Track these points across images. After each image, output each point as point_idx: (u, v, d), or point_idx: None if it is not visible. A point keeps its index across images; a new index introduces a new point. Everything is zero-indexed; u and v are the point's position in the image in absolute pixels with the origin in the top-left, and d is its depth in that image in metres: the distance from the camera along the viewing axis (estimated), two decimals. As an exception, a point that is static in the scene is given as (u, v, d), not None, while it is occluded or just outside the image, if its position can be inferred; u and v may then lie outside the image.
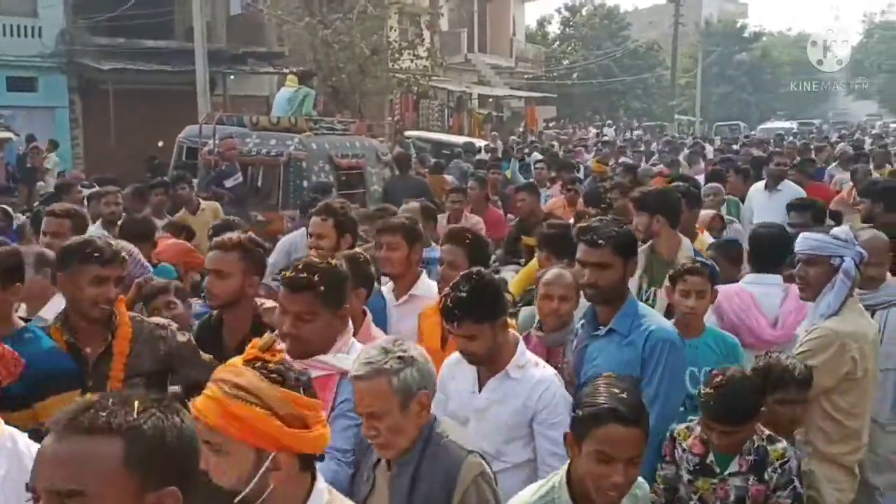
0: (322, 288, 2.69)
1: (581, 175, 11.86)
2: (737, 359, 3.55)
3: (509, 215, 8.74)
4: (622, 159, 15.53)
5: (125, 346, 2.99)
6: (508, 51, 37.42)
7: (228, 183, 8.94)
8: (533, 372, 2.98)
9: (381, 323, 3.71)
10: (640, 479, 2.28)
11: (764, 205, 7.79)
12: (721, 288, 3.87)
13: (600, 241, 3.10)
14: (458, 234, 4.16)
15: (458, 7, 32.54)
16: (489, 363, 2.96)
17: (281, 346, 1.85)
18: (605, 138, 28.56)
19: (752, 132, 36.32)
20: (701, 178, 9.60)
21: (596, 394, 2.23)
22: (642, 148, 22.29)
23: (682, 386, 3.31)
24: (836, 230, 3.69)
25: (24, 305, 3.54)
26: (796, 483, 2.85)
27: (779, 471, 2.84)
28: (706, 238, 5.42)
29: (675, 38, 43.10)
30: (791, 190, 7.79)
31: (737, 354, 3.60)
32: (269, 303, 3.39)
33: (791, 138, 26.44)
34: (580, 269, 3.26)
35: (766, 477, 2.84)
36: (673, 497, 3.02)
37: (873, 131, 34.26)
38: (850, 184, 8.80)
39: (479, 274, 2.93)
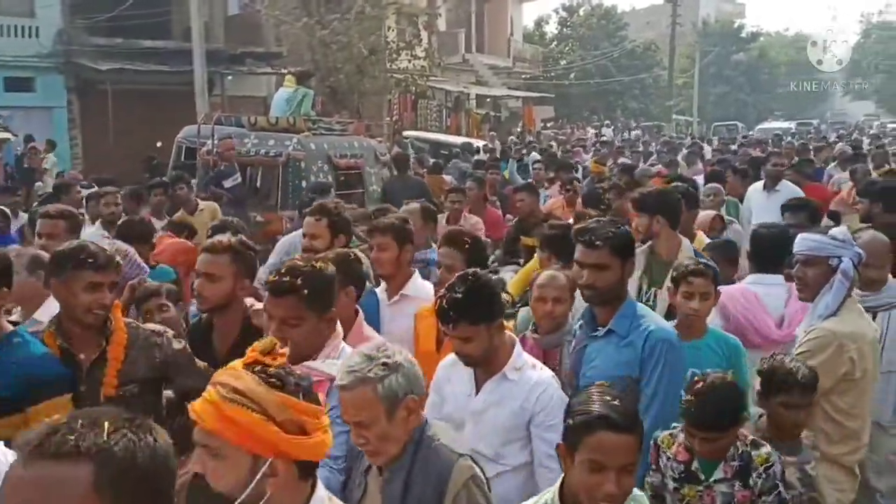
0: (306, 291, 2.66)
1: (579, 175, 11.85)
2: (739, 360, 3.54)
3: (508, 215, 8.73)
4: (621, 160, 15.50)
5: (120, 352, 2.95)
6: (506, 51, 37.41)
7: (227, 183, 8.92)
8: (530, 374, 2.96)
9: (375, 322, 3.68)
10: (636, 490, 2.22)
11: (762, 205, 7.76)
12: (724, 289, 3.85)
13: (598, 243, 3.09)
14: (457, 238, 4.12)
15: (456, 7, 32.46)
16: (485, 365, 2.93)
17: (282, 349, 1.82)
18: (604, 138, 28.56)
19: (750, 132, 36.35)
20: (699, 179, 9.59)
21: (588, 402, 2.18)
22: (641, 148, 22.24)
23: (681, 386, 3.28)
24: (833, 231, 3.67)
25: (18, 308, 3.51)
26: (781, 488, 2.83)
27: (763, 476, 2.81)
28: (703, 239, 5.40)
29: (673, 39, 43.20)
30: (789, 190, 7.75)
31: (738, 356, 3.57)
32: (259, 304, 3.36)
33: (789, 138, 26.36)
34: (578, 271, 3.25)
35: (752, 482, 2.81)
36: (659, 505, 2.99)
37: (871, 131, 34.27)
38: (850, 184, 8.76)
39: (475, 275, 2.90)
